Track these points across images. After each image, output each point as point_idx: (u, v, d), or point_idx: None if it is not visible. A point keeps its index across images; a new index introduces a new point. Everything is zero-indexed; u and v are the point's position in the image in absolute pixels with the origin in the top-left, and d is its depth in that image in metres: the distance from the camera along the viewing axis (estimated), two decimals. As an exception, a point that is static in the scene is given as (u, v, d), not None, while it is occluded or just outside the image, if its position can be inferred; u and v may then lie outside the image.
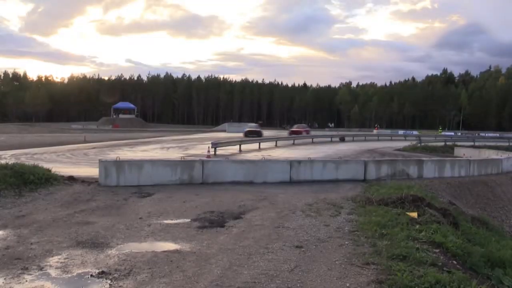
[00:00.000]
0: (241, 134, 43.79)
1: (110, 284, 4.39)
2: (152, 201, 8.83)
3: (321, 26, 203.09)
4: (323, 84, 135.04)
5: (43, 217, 7.25)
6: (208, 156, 17.53)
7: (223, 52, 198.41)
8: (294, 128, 43.19)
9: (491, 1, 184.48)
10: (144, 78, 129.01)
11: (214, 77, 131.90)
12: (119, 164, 10.71)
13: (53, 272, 4.72)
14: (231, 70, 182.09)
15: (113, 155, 17.46)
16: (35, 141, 29.66)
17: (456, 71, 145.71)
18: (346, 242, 6.03)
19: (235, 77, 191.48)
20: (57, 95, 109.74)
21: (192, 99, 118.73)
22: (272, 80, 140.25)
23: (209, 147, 20.55)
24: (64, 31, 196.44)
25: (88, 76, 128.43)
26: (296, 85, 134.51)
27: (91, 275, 4.64)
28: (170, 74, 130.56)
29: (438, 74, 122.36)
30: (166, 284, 4.41)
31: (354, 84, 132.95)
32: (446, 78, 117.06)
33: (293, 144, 31.17)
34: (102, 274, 4.65)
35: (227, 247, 5.74)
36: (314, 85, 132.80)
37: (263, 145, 26.95)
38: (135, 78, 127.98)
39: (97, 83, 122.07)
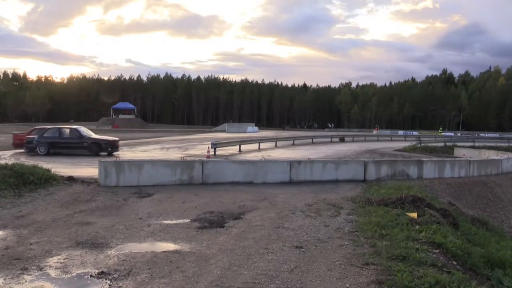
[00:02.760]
0: (242, 135, 43.27)
1: (109, 285, 4.39)
2: (152, 202, 8.83)
3: (322, 26, 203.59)
4: (323, 84, 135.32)
5: (43, 217, 7.24)
6: (208, 157, 17.53)
7: (223, 52, 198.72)
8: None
9: (492, 1, 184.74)
10: (144, 78, 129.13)
11: (214, 77, 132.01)
12: (118, 164, 10.70)
13: (52, 273, 4.71)
14: (231, 70, 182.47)
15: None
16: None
17: (457, 71, 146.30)
18: (346, 243, 6.03)
19: (235, 77, 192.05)
20: (57, 95, 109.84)
21: (192, 99, 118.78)
22: (272, 80, 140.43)
23: (209, 147, 20.55)
24: (64, 31, 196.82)
25: (88, 76, 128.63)
26: (296, 85, 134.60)
27: (91, 276, 4.64)
28: (170, 74, 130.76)
29: (438, 74, 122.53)
30: (166, 285, 4.41)
31: (354, 85, 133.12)
32: (446, 78, 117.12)
33: (293, 144, 31.20)
34: (101, 275, 4.65)
35: (226, 247, 5.74)
36: (314, 85, 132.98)
37: (263, 145, 26.99)
38: (135, 78, 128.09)
39: (97, 83, 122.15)
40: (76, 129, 19.53)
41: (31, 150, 18.34)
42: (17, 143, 20.21)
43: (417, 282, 4.43)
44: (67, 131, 19.33)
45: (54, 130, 19.50)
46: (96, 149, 18.34)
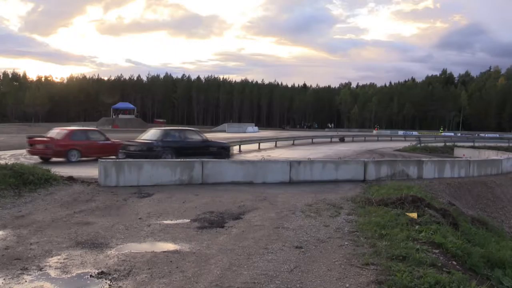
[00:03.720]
0: (242, 135, 43.15)
1: (109, 285, 4.39)
2: (151, 202, 8.83)
3: (322, 26, 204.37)
4: (323, 84, 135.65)
5: (43, 217, 7.24)
6: (208, 157, 17.44)
7: (223, 52, 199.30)
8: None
9: (493, 1, 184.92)
10: (144, 78, 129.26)
11: (214, 77, 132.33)
12: (118, 164, 10.70)
13: (52, 273, 4.71)
14: (231, 70, 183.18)
15: (112, 155, 17.41)
16: (35, 141, 29.57)
17: (458, 71, 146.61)
18: (346, 243, 6.03)
19: (235, 77, 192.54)
20: (57, 95, 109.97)
21: (192, 99, 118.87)
22: (272, 80, 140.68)
23: (209, 147, 20.47)
24: (64, 31, 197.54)
25: (87, 76, 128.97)
26: (296, 85, 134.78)
27: (91, 276, 4.64)
28: (170, 74, 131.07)
29: (438, 74, 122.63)
30: (166, 285, 4.41)
31: (354, 85, 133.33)
32: (446, 78, 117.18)
33: (293, 144, 31.22)
34: (101, 275, 4.64)
35: (226, 247, 5.74)
36: (314, 85, 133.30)
37: (262, 145, 27.02)
38: (135, 78, 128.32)
39: (97, 83, 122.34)
40: (194, 131, 16.72)
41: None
42: (39, 150, 15.56)
43: (417, 282, 4.43)
44: (187, 133, 16.12)
45: (173, 132, 15.95)
46: (225, 154, 15.84)
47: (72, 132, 16.44)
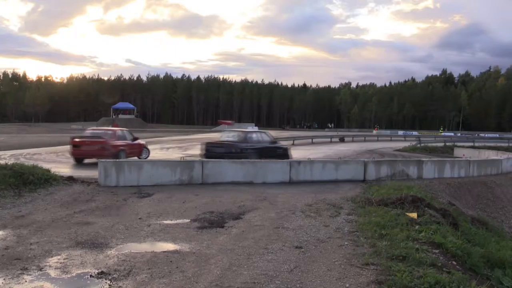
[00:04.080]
0: None
1: (109, 285, 4.39)
2: (151, 202, 8.83)
3: (322, 26, 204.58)
4: (323, 84, 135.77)
5: (43, 217, 7.24)
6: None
7: (223, 52, 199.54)
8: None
9: (493, 1, 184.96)
10: (144, 78, 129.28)
11: (214, 77, 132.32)
12: (118, 164, 10.69)
13: (52, 273, 4.71)
14: (231, 70, 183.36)
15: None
16: (35, 141, 29.62)
17: (458, 71, 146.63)
18: (346, 243, 6.03)
19: (235, 77, 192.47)
20: (57, 95, 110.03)
21: (192, 99, 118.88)
22: (272, 80, 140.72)
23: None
24: (64, 31, 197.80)
25: (87, 76, 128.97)
26: (296, 85, 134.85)
27: (91, 276, 4.64)
28: (170, 74, 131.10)
29: (438, 74, 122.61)
30: (166, 285, 4.41)
31: (354, 85, 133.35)
32: (446, 78, 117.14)
33: (293, 144, 31.20)
34: (101, 275, 4.64)
35: (226, 247, 5.74)
36: (314, 85, 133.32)
37: (262, 145, 26.94)
38: (135, 78, 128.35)
39: (97, 83, 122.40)
40: (266, 133, 16.62)
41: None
42: (91, 151, 14.62)
43: (416, 282, 4.43)
44: (263, 135, 16.21)
45: (253, 134, 16.15)
46: (287, 155, 15.78)
47: (116, 132, 16.07)
